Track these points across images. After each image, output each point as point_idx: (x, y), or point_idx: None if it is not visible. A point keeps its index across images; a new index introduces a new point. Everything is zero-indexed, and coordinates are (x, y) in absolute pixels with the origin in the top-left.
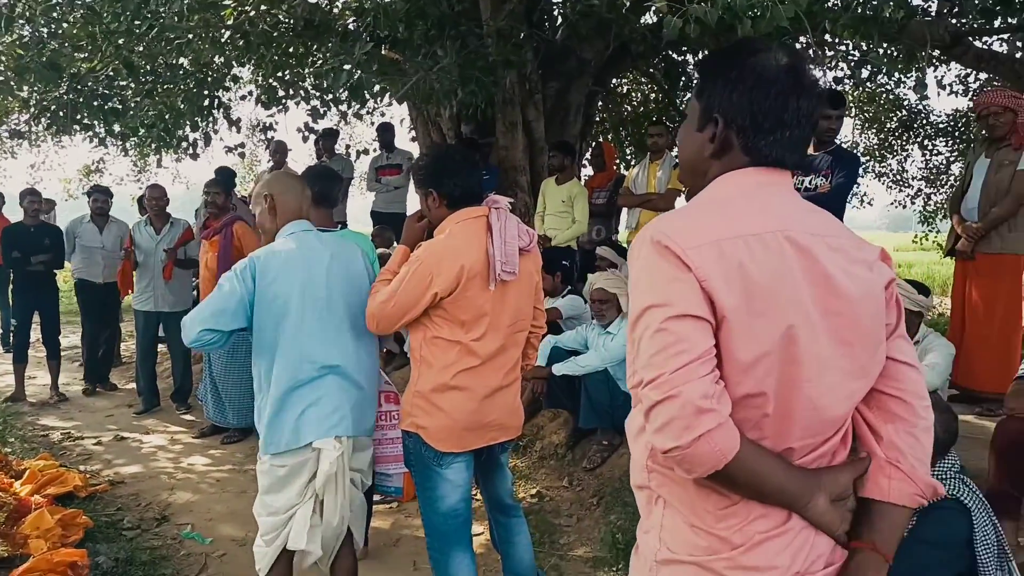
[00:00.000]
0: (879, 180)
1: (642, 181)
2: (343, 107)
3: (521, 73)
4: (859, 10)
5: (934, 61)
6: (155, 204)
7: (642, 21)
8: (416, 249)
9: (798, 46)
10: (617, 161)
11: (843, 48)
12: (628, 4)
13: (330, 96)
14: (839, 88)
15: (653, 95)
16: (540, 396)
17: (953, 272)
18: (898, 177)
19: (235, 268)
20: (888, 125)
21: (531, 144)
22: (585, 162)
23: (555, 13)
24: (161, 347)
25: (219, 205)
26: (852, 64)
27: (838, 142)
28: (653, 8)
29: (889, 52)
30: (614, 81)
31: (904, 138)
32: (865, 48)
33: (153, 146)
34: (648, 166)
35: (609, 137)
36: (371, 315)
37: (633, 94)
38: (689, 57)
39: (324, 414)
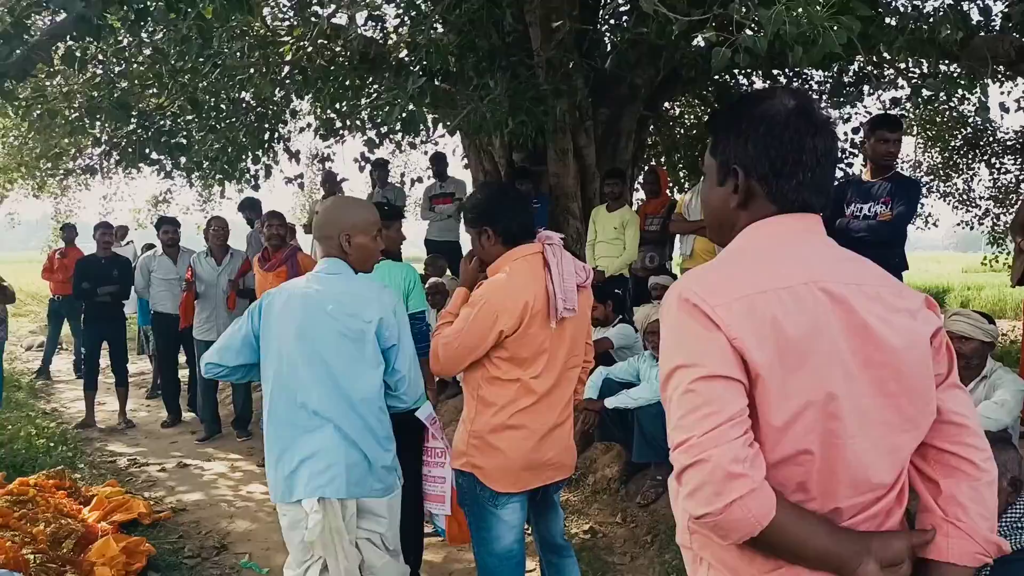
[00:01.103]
0: (944, 200)
1: (695, 207)
2: (397, 138)
3: (572, 101)
4: (915, 32)
5: (999, 77)
6: (217, 236)
7: (692, 46)
8: (476, 289)
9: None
10: (671, 185)
11: (902, 66)
12: (678, 31)
13: (385, 128)
14: (896, 109)
15: (706, 118)
16: (591, 429)
17: (1023, 300)
18: (964, 196)
19: (252, 303)
20: (952, 143)
21: (583, 171)
22: (637, 186)
23: (605, 41)
24: None
25: (281, 236)
26: (912, 84)
27: (898, 163)
28: (701, 37)
29: (949, 71)
30: (665, 105)
31: (970, 156)
32: (924, 68)
33: (217, 178)
34: (700, 192)
35: (662, 161)
36: (434, 355)
37: (685, 117)
38: (742, 79)
39: (316, 471)
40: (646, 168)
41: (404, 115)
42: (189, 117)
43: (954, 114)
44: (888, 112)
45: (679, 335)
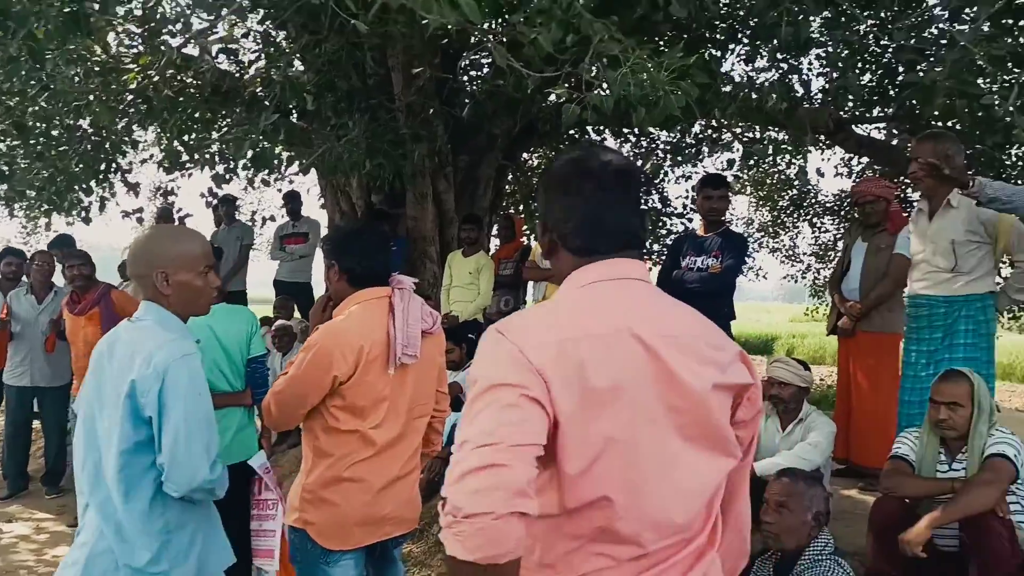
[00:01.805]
0: (772, 255)
1: None
2: (248, 174)
3: (431, 146)
4: (746, 100)
5: (820, 145)
6: (40, 272)
7: (547, 101)
8: (312, 333)
9: (695, 130)
10: (526, 231)
11: (737, 131)
12: (532, 87)
13: (233, 163)
14: (732, 170)
15: None
16: (437, 478)
17: (837, 349)
18: (790, 252)
19: None
20: (780, 203)
21: (441, 215)
22: (494, 234)
23: (465, 90)
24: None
25: (86, 276)
26: (744, 148)
27: (732, 219)
28: (554, 93)
29: (777, 138)
30: (524, 156)
31: (795, 216)
32: (753, 134)
33: (43, 208)
34: None
35: (520, 209)
36: (266, 408)
37: (542, 167)
38: (594, 135)
39: (67, 563)
40: (501, 215)
41: (255, 151)
42: (14, 143)
43: (782, 177)
44: (715, 172)
45: (504, 361)
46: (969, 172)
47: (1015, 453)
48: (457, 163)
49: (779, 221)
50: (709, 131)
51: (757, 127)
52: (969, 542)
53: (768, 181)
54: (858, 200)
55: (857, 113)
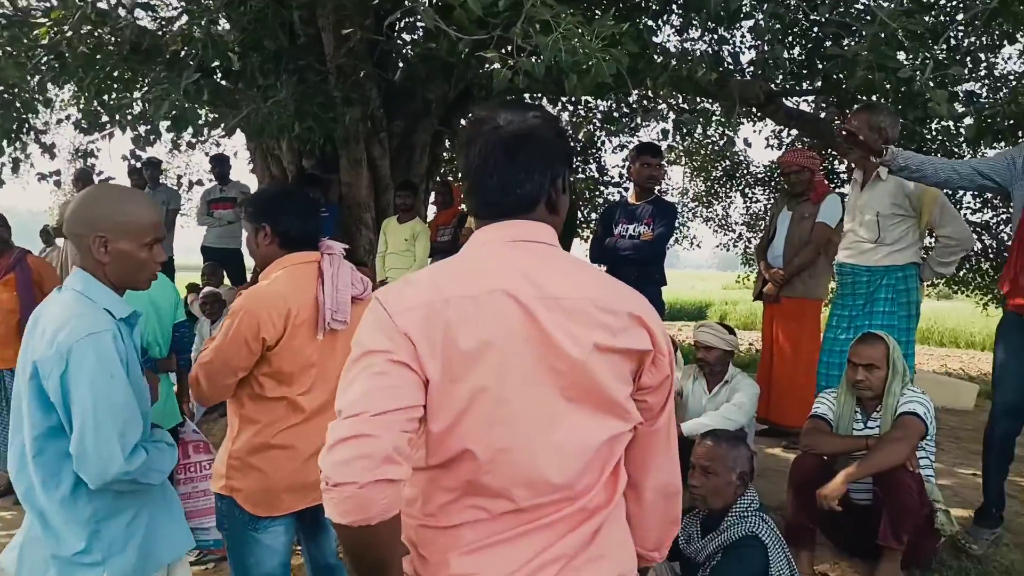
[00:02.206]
0: (706, 224)
1: None
2: (172, 136)
3: (364, 110)
4: (677, 70)
5: (751, 117)
6: None
7: (483, 66)
8: (236, 299)
9: (631, 99)
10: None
11: (672, 101)
12: (465, 50)
13: (156, 126)
14: (666, 140)
15: None
16: None
17: (762, 314)
18: (723, 222)
19: None
20: (714, 174)
21: (376, 182)
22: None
23: (398, 54)
24: None
25: (3, 240)
26: (675, 117)
27: (667, 189)
28: (485, 58)
29: (706, 108)
30: (462, 122)
31: (728, 186)
32: (686, 105)
33: None
34: None
35: (458, 176)
36: (193, 381)
37: None
38: (530, 101)
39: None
40: (439, 181)
41: (175, 111)
42: None
43: (715, 148)
44: (650, 141)
45: (375, 327)
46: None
47: (925, 411)
48: (392, 128)
49: (712, 191)
50: (644, 101)
51: (689, 97)
52: (881, 495)
53: (702, 152)
54: (784, 170)
55: (788, 86)
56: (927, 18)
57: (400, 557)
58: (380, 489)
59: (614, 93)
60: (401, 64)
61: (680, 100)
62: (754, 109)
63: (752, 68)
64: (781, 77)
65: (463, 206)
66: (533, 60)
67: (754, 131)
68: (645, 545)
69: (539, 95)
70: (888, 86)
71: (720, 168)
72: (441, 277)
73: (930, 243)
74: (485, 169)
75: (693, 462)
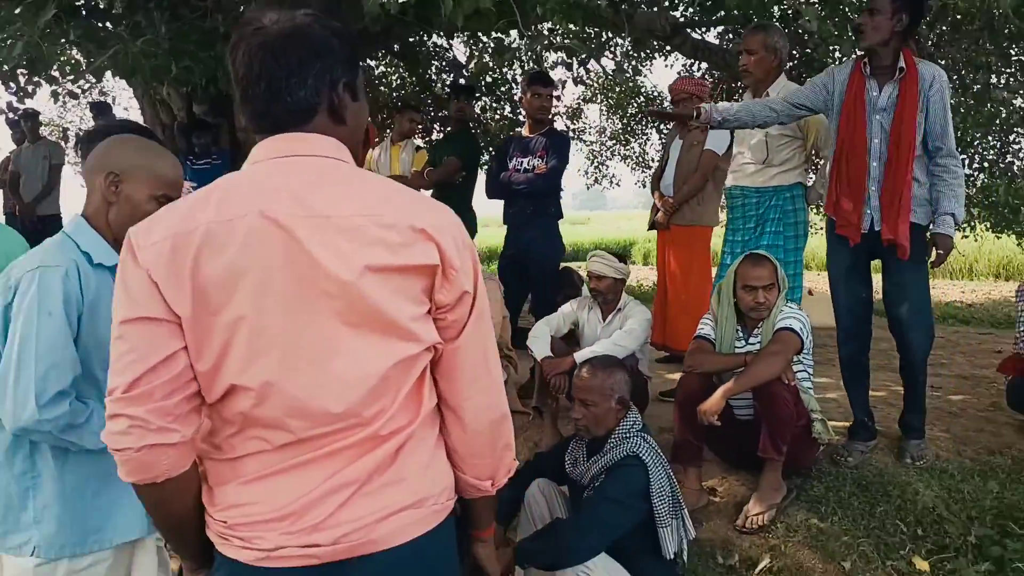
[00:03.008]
0: (624, 162)
1: (384, 163)
2: (53, 85)
3: None
4: None
5: (661, 51)
6: None
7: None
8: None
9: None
10: (377, 141)
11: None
12: None
13: (6, 67)
14: (570, 73)
15: (409, 79)
16: None
17: (656, 243)
18: (640, 159)
19: None
20: (630, 111)
21: None
22: None
23: None
24: None
25: None
26: (565, 45)
27: (585, 127)
28: None
29: (600, 37)
30: (371, 64)
31: (644, 123)
32: (574, 33)
33: None
34: (390, 148)
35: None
36: None
37: (391, 78)
38: (438, 39)
39: None
40: None
41: (30, 53)
42: None
43: (630, 84)
44: (541, 70)
45: (120, 277)
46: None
47: (800, 326)
48: None
49: (629, 129)
50: (543, 32)
51: (593, 29)
52: (760, 408)
53: (618, 89)
54: (673, 98)
55: (695, 17)
56: None
57: (198, 509)
58: (157, 453)
59: (498, 22)
60: None
61: (583, 31)
62: (661, 42)
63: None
64: (684, 7)
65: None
66: None
67: (666, 65)
68: (478, 474)
69: (442, 33)
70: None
71: (635, 105)
72: (198, 203)
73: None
74: (251, 76)
75: (573, 394)
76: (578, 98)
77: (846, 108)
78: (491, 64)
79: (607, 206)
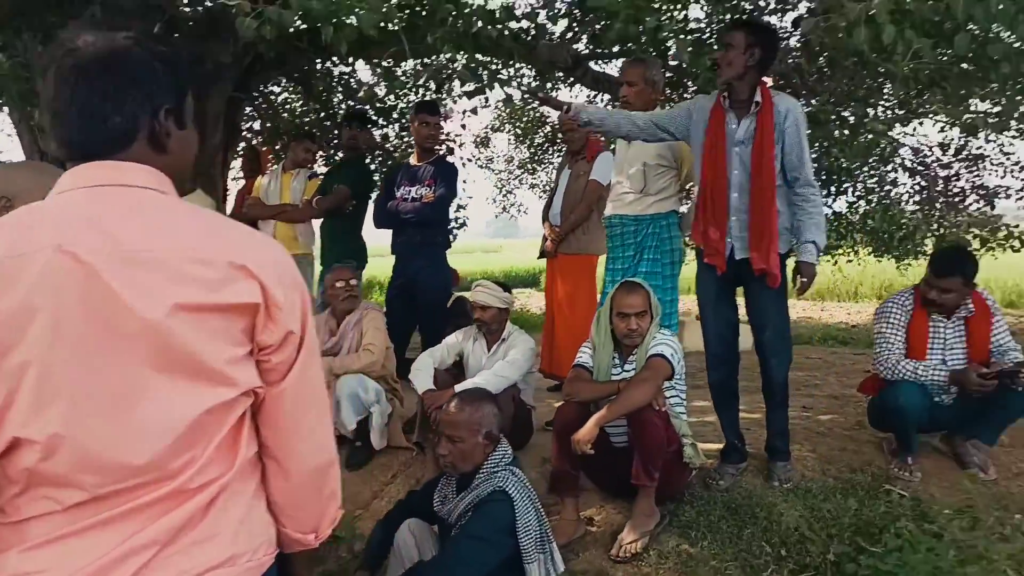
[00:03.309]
0: (532, 191)
1: (274, 190)
2: None
3: None
4: (454, 26)
5: (563, 82)
6: None
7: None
8: None
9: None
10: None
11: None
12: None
13: None
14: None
15: (312, 106)
16: None
17: (545, 271)
18: (547, 188)
19: None
20: (537, 140)
21: None
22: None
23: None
24: None
25: None
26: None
27: (494, 156)
28: (233, 9)
29: (496, 69)
30: (274, 90)
31: (550, 152)
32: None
33: None
34: (281, 176)
35: (263, 148)
36: None
37: (292, 104)
38: (344, 68)
39: None
40: (246, 147)
41: None
42: None
43: (536, 114)
44: (429, 99)
45: None
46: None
47: (671, 352)
48: None
49: (536, 157)
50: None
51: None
52: (632, 435)
53: (524, 119)
54: (563, 128)
55: (599, 50)
56: None
57: None
58: None
59: (392, 49)
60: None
61: (490, 61)
62: (564, 73)
63: (561, 32)
64: (572, 40)
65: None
66: (279, 10)
67: (571, 96)
68: (300, 527)
69: (352, 59)
70: (644, 38)
71: (542, 135)
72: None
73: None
74: (61, 100)
75: (440, 429)
76: (486, 127)
77: (707, 141)
78: (379, 92)
79: (519, 234)
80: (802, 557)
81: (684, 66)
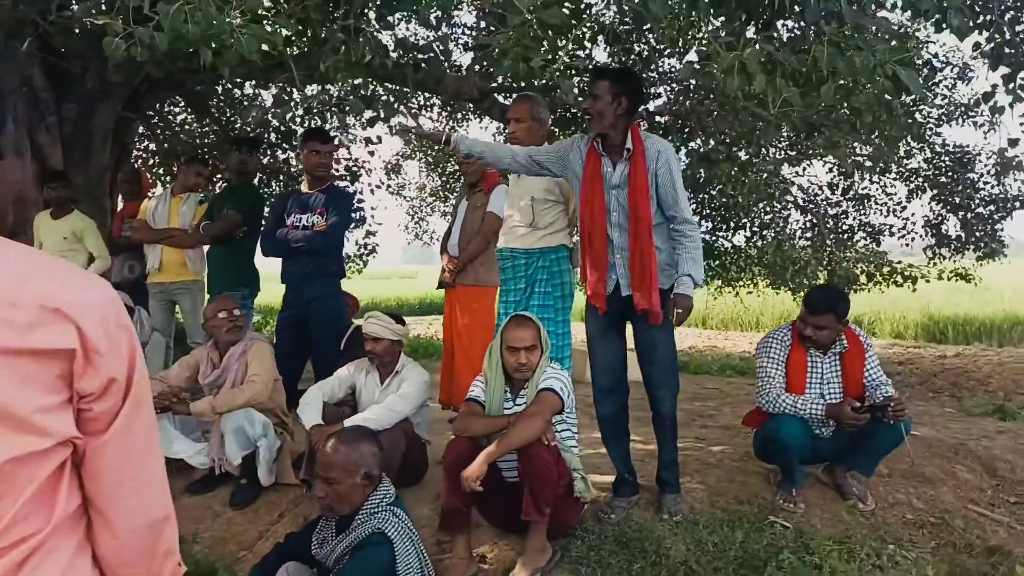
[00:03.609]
0: (444, 218)
1: (162, 214)
2: None
3: (29, 90)
4: (347, 53)
5: (477, 112)
6: None
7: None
8: None
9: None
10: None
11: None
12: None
13: None
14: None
15: (209, 127)
16: None
17: (444, 302)
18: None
19: None
20: (448, 168)
21: (45, 174)
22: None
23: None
24: None
25: None
26: (342, 100)
27: (406, 183)
28: (107, 31)
29: (386, 99)
30: (173, 110)
31: (461, 181)
32: (358, 91)
33: None
34: (169, 199)
35: (157, 168)
36: None
37: (190, 125)
38: (236, 89)
39: None
40: (125, 168)
41: None
42: None
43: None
44: (319, 127)
45: None
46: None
47: (561, 386)
48: (63, 113)
49: (448, 186)
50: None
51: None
52: (521, 470)
53: (435, 148)
54: (458, 160)
55: (506, 83)
56: (564, 9)
57: None
58: None
59: (282, 74)
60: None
61: (400, 89)
62: (471, 104)
63: (469, 64)
64: (478, 75)
65: (152, 193)
66: (151, 31)
67: (481, 127)
68: None
69: (248, 81)
70: (533, 77)
71: (452, 162)
72: None
73: None
74: None
75: (316, 471)
76: (397, 154)
77: (585, 184)
78: (269, 117)
79: (435, 261)
80: None
81: (573, 105)
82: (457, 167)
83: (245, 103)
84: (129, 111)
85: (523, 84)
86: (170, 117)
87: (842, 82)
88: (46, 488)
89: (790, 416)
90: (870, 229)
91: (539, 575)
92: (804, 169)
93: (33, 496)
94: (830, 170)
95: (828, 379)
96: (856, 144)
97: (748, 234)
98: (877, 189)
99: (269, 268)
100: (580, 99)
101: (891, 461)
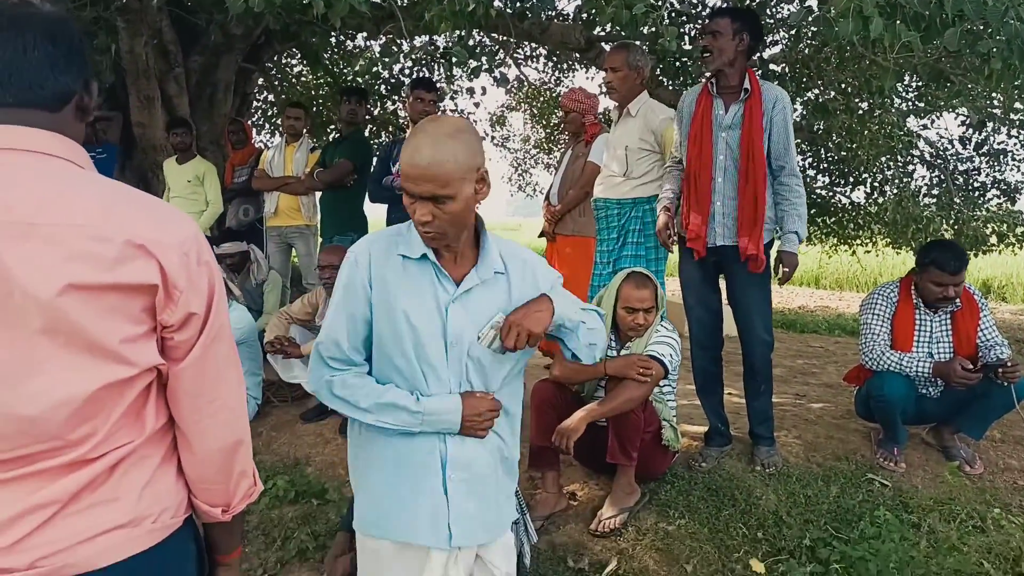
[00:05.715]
0: (547, 170)
1: (278, 163)
2: None
3: (159, 43)
4: (451, 4)
5: (583, 62)
6: None
7: None
8: None
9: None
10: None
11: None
12: None
13: None
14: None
15: (323, 77)
16: None
17: (545, 253)
18: None
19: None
20: (553, 120)
21: (171, 120)
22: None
23: None
24: None
25: None
26: (448, 52)
27: (510, 135)
28: None
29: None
30: (288, 61)
31: (566, 132)
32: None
33: None
34: (284, 148)
35: (277, 120)
36: None
37: (306, 76)
38: (358, 40)
39: None
40: (231, 120)
41: None
42: None
43: (552, 95)
44: (425, 76)
45: None
46: None
47: (670, 353)
48: (189, 64)
49: (552, 138)
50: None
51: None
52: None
53: (540, 99)
54: (564, 112)
55: (614, 32)
56: None
57: None
58: None
59: (382, 25)
60: None
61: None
62: (578, 54)
63: (575, 12)
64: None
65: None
66: None
67: (587, 77)
68: (209, 500)
69: (354, 33)
70: (636, 24)
71: (557, 115)
72: None
73: None
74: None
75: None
76: (501, 106)
77: (694, 127)
78: (374, 67)
79: (539, 213)
80: (777, 540)
81: (674, 52)
82: (562, 116)
83: (356, 54)
84: (249, 63)
85: (626, 32)
86: (287, 69)
87: (969, 26)
88: (135, 407)
89: (894, 373)
90: (1005, 187)
91: (627, 515)
92: (932, 121)
93: (123, 415)
94: (962, 123)
95: (937, 338)
96: (993, 95)
97: (868, 190)
98: (1016, 144)
99: (377, 215)
100: (685, 47)
101: (1005, 426)
